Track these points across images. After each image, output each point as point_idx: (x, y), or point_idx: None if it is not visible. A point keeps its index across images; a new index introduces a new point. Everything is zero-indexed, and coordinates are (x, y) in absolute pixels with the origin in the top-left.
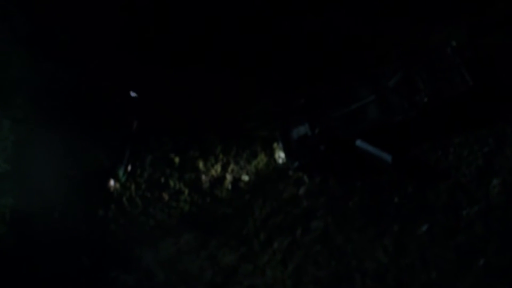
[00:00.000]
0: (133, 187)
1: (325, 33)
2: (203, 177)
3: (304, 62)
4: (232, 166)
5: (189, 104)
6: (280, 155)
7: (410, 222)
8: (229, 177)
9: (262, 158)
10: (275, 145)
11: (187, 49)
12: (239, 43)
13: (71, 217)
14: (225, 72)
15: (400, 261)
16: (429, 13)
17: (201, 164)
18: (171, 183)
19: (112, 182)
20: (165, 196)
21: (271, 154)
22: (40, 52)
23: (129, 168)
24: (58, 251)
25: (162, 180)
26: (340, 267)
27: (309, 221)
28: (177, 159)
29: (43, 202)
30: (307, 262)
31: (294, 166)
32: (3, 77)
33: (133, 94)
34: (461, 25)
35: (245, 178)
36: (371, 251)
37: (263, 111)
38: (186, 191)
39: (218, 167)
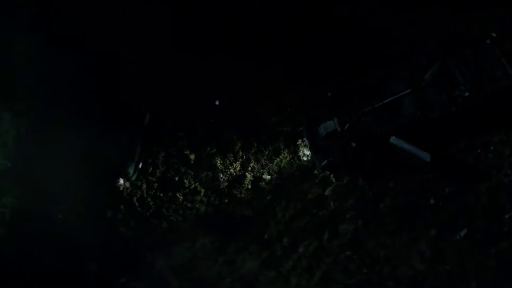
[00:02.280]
0: (144, 186)
1: (355, 21)
2: (221, 176)
3: (332, 51)
4: (252, 164)
5: (206, 96)
6: (305, 153)
7: (448, 226)
8: (249, 176)
9: (285, 156)
10: (299, 141)
11: (205, 38)
12: (261, 31)
13: (76, 218)
14: (245, 61)
15: (437, 269)
16: (467, 1)
17: (218, 162)
18: (186, 182)
19: (121, 181)
20: (180, 197)
21: (295, 152)
22: (43, 39)
23: (140, 165)
24: (62, 255)
25: (176, 178)
26: (372, 274)
27: (336, 224)
28: (192, 156)
29: (46, 202)
30: (335, 269)
31: (322, 165)
32: (3, 67)
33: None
34: (501, 15)
35: (267, 177)
36: (405, 257)
37: (287, 105)
38: (202, 191)
39: (237, 165)
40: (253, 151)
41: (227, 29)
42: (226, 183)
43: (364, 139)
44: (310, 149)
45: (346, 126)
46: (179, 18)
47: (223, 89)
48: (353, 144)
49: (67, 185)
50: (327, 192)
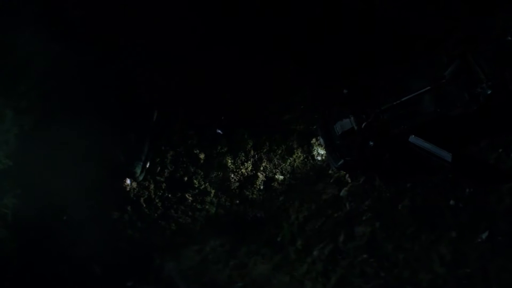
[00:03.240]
0: (152, 186)
1: (372, 16)
2: (232, 176)
3: (348, 46)
4: (264, 163)
5: (216, 93)
6: (319, 152)
7: (469, 228)
8: (261, 176)
9: (298, 155)
10: (313, 140)
11: (214, 33)
12: (273, 24)
13: (81, 220)
14: (256, 56)
15: (458, 272)
16: None
17: (229, 161)
18: (196, 182)
19: (128, 181)
20: (189, 197)
21: (308, 151)
22: (47, 32)
23: (148, 165)
24: (66, 258)
25: (185, 179)
26: (390, 278)
27: (353, 226)
28: (202, 155)
29: (49, 203)
30: (352, 273)
31: (338, 165)
32: (5, 61)
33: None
34: None
35: (280, 177)
36: (425, 260)
37: (301, 102)
38: (213, 192)
39: (248, 165)
40: (265, 150)
41: (238, 24)
42: (237, 184)
43: (382, 138)
44: (325, 148)
45: (363, 125)
46: (191, 13)
47: (234, 86)
48: (371, 143)
49: (71, 185)
50: (342, 193)
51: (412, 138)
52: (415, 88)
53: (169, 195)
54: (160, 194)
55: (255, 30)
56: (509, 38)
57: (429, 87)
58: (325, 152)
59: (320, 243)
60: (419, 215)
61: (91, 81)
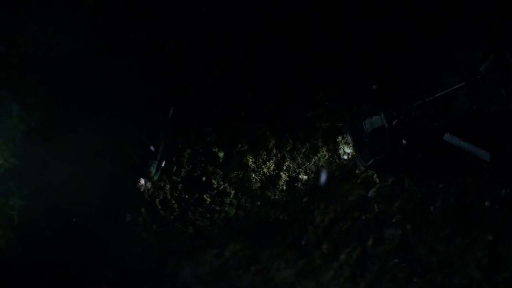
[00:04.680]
0: (167, 187)
1: (404, 10)
2: (253, 175)
3: (377, 39)
4: (287, 162)
5: (236, 87)
6: (346, 151)
7: (506, 230)
8: (284, 176)
9: (323, 154)
10: (339, 138)
11: (235, 24)
12: (294, 16)
13: (92, 222)
14: (280, 49)
15: (495, 277)
16: None
17: (250, 160)
18: (214, 182)
19: (142, 181)
20: (207, 198)
21: (334, 149)
22: (57, 22)
23: (163, 164)
24: (76, 263)
25: (203, 179)
26: (423, 284)
27: (382, 229)
28: (221, 154)
29: (57, 205)
30: (382, 278)
31: (368, 164)
32: (12, 52)
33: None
34: None
35: (303, 177)
36: (460, 264)
37: (326, 98)
38: (232, 193)
39: (270, 164)
40: (288, 148)
41: (260, 18)
42: (258, 184)
43: (415, 136)
44: (354, 147)
45: (394, 122)
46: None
47: (256, 80)
48: (404, 142)
49: (81, 186)
50: (370, 194)
51: (447, 137)
52: (448, 84)
53: (186, 196)
54: (177, 195)
55: (276, 23)
56: None
57: (463, 83)
58: (352, 150)
59: (347, 247)
60: (453, 217)
61: (102, 75)
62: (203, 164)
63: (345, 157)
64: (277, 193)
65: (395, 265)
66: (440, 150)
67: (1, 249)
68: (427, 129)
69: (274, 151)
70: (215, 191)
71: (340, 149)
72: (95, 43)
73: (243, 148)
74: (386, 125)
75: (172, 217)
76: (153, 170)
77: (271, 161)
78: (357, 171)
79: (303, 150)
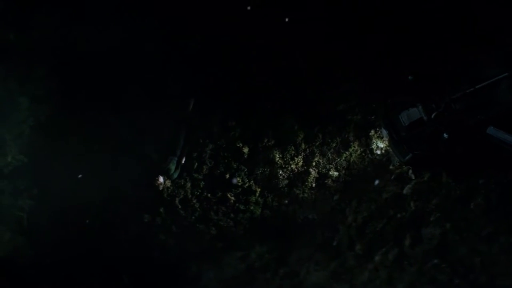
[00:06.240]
0: (188, 185)
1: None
2: (280, 172)
3: (414, 28)
4: (317, 158)
5: (263, 79)
6: (379, 145)
7: None
8: (313, 172)
9: (355, 149)
10: (372, 132)
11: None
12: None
13: (107, 224)
14: (308, 40)
15: None
16: None
17: (277, 156)
18: (239, 180)
19: (161, 179)
20: (231, 197)
21: (366, 144)
22: (67, 11)
23: (184, 160)
24: (90, 268)
25: (227, 176)
26: (466, 285)
27: (419, 228)
28: (246, 149)
29: (69, 205)
30: (421, 280)
31: (406, 159)
32: (20, 42)
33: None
34: None
35: (334, 173)
36: (504, 264)
37: (358, 90)
38: (258, 191)
39: (299, 160)
40: (317, 143)
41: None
42: (286, 181)
43: (457, 129)
44: (390, 141)
45: (433, 114)
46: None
47: (284, 72)
48: (445, 135)
49: (95, 184)
50: (405, 191)
51: (492, 130)
52: (490, 75)
53: (208, 195)
54: (198, 193)
55: (305, 13)
56: None
57: (506, 74)
58: (386, 145)
59: (383, 247)
60: (495, 214)
61: (116, 66)
62: (226, 161)
63: (378, 152)
64: (306, 191)
65: (434, 266)
66: (482, 144)
67: (9, 254)
68: (470, 122)
69: (303, 146)
70: (240, 189)
71: (373, 143)
72: (108, 33)
73: (270, 143)
74: (425, 118)
75: (193, 217)
76: (172, 167)
77: (300, 156)
78: (391, 167)
79: (334, 144)
